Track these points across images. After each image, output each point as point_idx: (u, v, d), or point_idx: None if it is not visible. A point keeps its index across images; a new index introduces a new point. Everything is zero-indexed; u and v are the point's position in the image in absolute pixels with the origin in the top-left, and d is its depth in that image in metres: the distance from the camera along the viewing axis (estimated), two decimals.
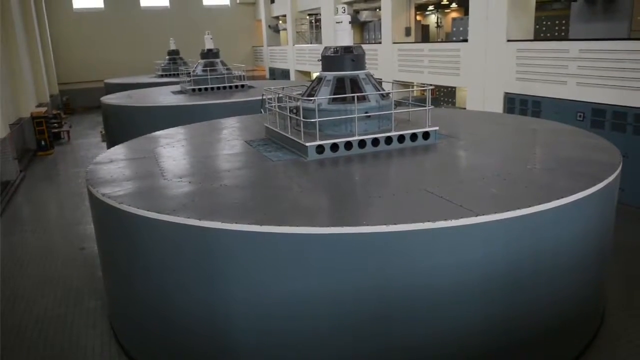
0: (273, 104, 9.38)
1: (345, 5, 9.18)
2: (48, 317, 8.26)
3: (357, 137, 8.08)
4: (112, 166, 8.01)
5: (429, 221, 5.09)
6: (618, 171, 6.78)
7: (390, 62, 21.43)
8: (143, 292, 6.41)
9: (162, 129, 11.45)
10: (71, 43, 35.69)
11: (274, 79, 34.72)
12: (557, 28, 19.15)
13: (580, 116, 12.97)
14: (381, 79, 19.86)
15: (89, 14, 36.22)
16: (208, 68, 19.36)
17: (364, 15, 27.31)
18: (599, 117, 12.55)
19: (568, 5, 15.71)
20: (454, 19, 22.99)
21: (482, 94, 16.33)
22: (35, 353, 7.31)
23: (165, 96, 18.34)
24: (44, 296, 8.96)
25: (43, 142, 21.16)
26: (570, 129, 9.65)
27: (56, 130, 24.03)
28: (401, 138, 8.42)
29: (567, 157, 7.49)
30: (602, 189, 6.12)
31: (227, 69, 19.91)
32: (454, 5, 30.34)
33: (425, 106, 8.69)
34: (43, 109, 22.19)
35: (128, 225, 6.11)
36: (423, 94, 19.19)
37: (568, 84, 13.27)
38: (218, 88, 18.98)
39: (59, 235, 11.91)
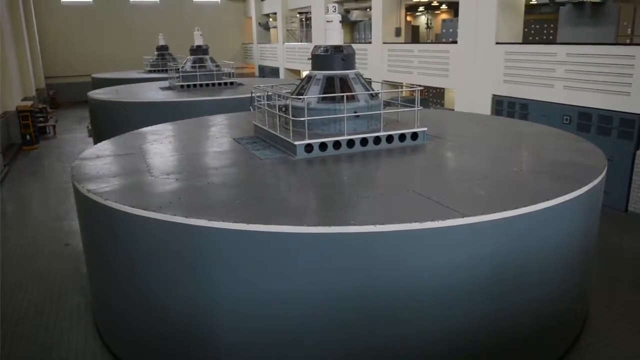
0: (262, 102, 9.35)
1: (336, 4, 9.17)
2: (31, 313, 8.16)
3: (345, 137, 8.08)
4: (99, 162, 7.93)
5: (416, 222, 5.11)
6: (603, 174, 6.86)
7: (380, 62, 21.47)
8: (128, 289, 6.36)
9: (150, 125, 11.36)
10: (58, 36, 35.24)
11: (264, 77, 34.63)
12: (545, 32, 19.32)
13: (566, 119, 13.11)
14: (370, 79, 19.86)
15: (77, 8, 35.80)
16: (197, 64, 19.23)
17: (355, 15, 27.32)
18: (585, 121, 12.69)
19: (556, 9, 15.87)
20: (443, 21, 23.11)
21: (471, 96, 16.44)
22: (18, 350, 7.22)
23: (154, 92, 18.20)
24: (27, 292, 8.85)
25: (28, 137, 20.88)
26: (556, 132, 9.75)
27: (42, 125, 23.74)
28: (390, 138, 8.44)
29: (554, 159, 7.56)
30: (587, 192, 6.19)
31: (217, 65, 19.81)
32: (444, 6, 30.49)
33: (414, 107, 8.72)
34: (29, 103, 21.89)
35: (114, 222, 6.06)
36: (412, 95, 19.26)
37: (555, 87, 13.40)
38: (207, 85, 18.88)
39: (43, 231, 11.77)
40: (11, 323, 7.89)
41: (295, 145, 7.81)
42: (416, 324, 5.51)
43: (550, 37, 18.96)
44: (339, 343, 5.47)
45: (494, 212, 5.34)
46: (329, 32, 8.82)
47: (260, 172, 7.31)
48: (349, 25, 27.67)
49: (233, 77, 19.72)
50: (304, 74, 16.55)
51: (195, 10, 38.70)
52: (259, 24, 37.92)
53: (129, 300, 6.41)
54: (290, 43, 32.57)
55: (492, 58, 15.38)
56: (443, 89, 21.65)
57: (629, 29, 14.21)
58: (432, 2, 27.96)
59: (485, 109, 15.74)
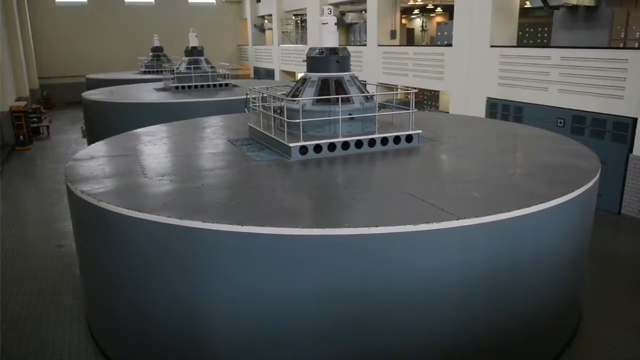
0: (257, 104, 9.34)
1: (332, 7, 9.18)
2: (24, 315, 8.11)
3: (340, 139, 8.08)
4: (92, 163, 7.90)
5: (410, 224, 5.11)
6: (597, 177, 6.89)
7: (375, 64, 21.50)
8: (122, 291, 6.33)
9: (144, 126, 11.33)
10: (53, 37, 35.12)
11: (259, 79, 34.61)
12: (539, 35, 19.41)
13: (560, 122, 13.17)
14: (365, 81, 19.91)
15: (71, 8, 35.67)
16: (192, 66, 19.20)
17: (350, 17, 27.37)
18: (579, 124, 12.75)
19: (551, 13, 15.95)
20: (438, 24, 23.19)
21: (465, 99, 16.48)
22: (10, 352, 7.17)
23: (148, 93, 18.15)
24: (20, 294, 8.79)
25: (22, 137, 20.78)
26: (550, 135, 9.79)
27: (35, 125, 23.61)
28: (384, 140, 8.45)
29: (548, 162, 7.59)
30: (581, 195, 6.22)
31: (212, 67, 19.78)
32: (439, 9, 30.59)
33: (409, 109, 8.74)
34: (22, 103, 21.77)
35: (107, 223, 6.03)
36: (407, 97, 19.30)
37: (549, 90, 13.46)
38: (202, 86, 18.85)
39: (36, 232, 11.70)
40: (3, 325, 7.83)
41: (290, 147, 7.81)
42: (410, 326, 5.51)
43: (545, 41, 19.05)
44: (333, 345, 5.46)
45: (488, 215, 5.35)
46: (325, 34, 8.83)
47: (255, 173, 7.30)
48: (345, 27, 27.71)
49: (228, 78, 19.70)
50: (299, 75, 16.54)
51: (191, 12, 38.63)
52: (254, 25, 37.91)
53: (122, 302, 6.38)
54: (286, 45, 32.57)
55: (487, 61, 15.43)
56: (438, 91, 21.70)
57: (622, 33, 14.30)
58: (427, 5, 28.05)
59: (480, 111, 15.79)
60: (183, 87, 18.51)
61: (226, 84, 19.29)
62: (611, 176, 11.81)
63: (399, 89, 18.64)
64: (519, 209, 5.51)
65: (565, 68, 12.98)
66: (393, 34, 21.72)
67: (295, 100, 8.36)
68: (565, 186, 6.23)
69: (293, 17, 32.83)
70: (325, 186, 6.85)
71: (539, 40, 19.39)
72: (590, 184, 6.50)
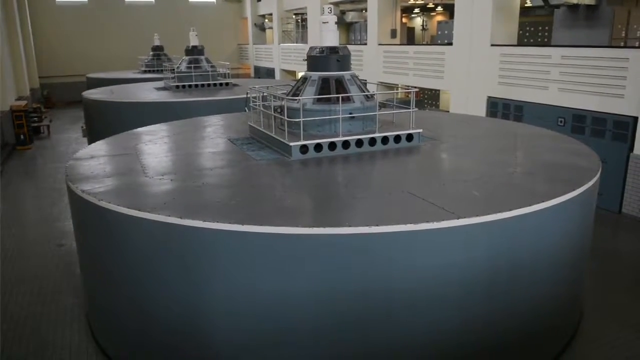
0: (257, 103, 9.34)
1: (332, 6, 9.17)
2: (24, 315, 8.11)
3: (341, 138, 8.08)
4: (93, 162, 7.90)
5: (411, 223, 5.11)
6: (597, 176, 6.88)
7: (375, 63, 21.49)
8: (122, 290, 6.33)
9: (145, 125, 11.33)
10: (53, 36, 35.12)
11: (259, 78, 34.60)
12: (540, 34, 19.40)
13: (561, 121, 13.16)
14: (366, 80, 19.89)
15: (72, 8, 35.67)
16: (192, 65, 19.20)
17: (350, 16, 27.37)
18: (579, 123, 12.74)
19: (551, 12, 15.94)
20: (439, 22, 23.18)
21: (466, 98, 16.48)
22: (10, 352, 7.17)
23: (149, 92, 18.15)
24: (20, 294, 8.79)
25: (22, 136, 20.79)
26: (551, 134, 9.78)
27: (36, 125, 23.62)
28: (385, 139, 8.45)
29: (548, 161, 7.58)
30: (581, 194, 6.21)
31: (212, 66, 19.78)
32: (439, 8, 30.56)
33: (410, 108, 8.73)
34: (23, 103, 21.78)
35: (108, 222, 6.03)
36: (407, 96, 19.29)
37: (550, 89, 13.45)
38: (202, 85, 18.85)
39: (36, 232, 11.71)
40: (3, 324, 7.84)
41: (291, 146, 7.81)
42: (410, 325, 5.51)
43: (545, 40, 19.04)
44: (334, 344, 5.46)
45: (489, 214, 5.34)
46: (325, 33, 8.82)
47: (255, 173, 7.30)
48: (345, 26, 27.71)
49: (228, 77, 19.69)
50: (300, 75, 16.55)
51: (191, 11, 38.62)
52: (255, 24, 37.89)
53: (122, 301, 6.38)
54: (286, 44, 32.56)
55: (487, 60, 15.42)
56: (438, 90, 21.70)
57: (623, 32, 14.29)
58: (427, 4, 28.02)
59: (480, 110, 15.78)
60: (183, 86, 18.51)
61: (226, 83, 19.28)
62: (612, 175, 11.81)
63: (399, 88, 18.63)
64: (519, 208, 5.50)
65: (566, 67, 12.97)
66: (393, 33, 21.70)
67: (296, 100, 8.35)
68: (565, 185, 6.23)
69: (293, 16, 32.83)
70: (325, 185, 6.85)
71: (539, 39, 19.39)
72: (590, 183, 6.50)
